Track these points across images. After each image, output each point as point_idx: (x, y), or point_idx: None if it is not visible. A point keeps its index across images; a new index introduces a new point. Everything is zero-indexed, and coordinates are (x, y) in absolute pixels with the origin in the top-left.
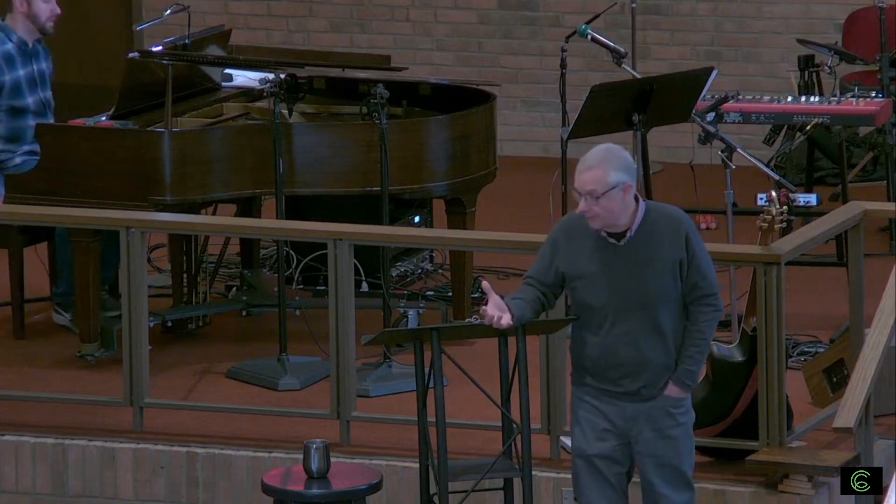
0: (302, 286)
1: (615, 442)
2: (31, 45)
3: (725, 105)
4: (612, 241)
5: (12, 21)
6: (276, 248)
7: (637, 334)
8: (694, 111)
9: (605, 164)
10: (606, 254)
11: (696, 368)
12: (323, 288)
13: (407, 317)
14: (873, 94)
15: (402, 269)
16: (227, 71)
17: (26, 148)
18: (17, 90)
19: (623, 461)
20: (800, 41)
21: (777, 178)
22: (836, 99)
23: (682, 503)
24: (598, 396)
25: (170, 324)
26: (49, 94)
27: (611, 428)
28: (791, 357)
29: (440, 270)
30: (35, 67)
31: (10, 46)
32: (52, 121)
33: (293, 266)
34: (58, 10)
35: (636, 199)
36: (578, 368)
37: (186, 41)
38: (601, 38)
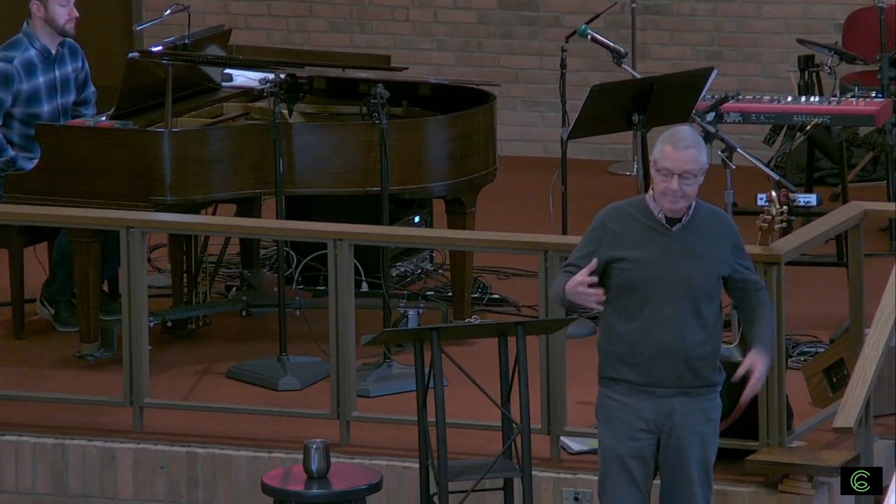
0: (302, 286)
1: (647, 441)
2: (54, 52)
3: (725, 105)
4: (665, 226)
5: (34, 27)
6: (276, 248)
7: (677, 321)
8: (694, 111)
9: (698, 145)
10: (656, 238)
11: (774, 334)
12: (323, 288)
13: (407, 317)
14: (873, 94)
15: (402, 269)
16: (227, 71)
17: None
18: (34, 98)
19: (652, 460)
20: (800, 41)
21: (777, 178)
22: (836, 99)
23: (708, 500)
24: (632, 393)
25: (170, 324)
26: (70, 99)
27: (644, 427)
28: (791, 357)
29: (440, 270)
30: (57, 73)
31: (32, 53)
32: (89, 115)
33: (293, 266)
34: (76, 13)
35: None
36: (611, 361)
37: (186, 41)
38: (601, 38)
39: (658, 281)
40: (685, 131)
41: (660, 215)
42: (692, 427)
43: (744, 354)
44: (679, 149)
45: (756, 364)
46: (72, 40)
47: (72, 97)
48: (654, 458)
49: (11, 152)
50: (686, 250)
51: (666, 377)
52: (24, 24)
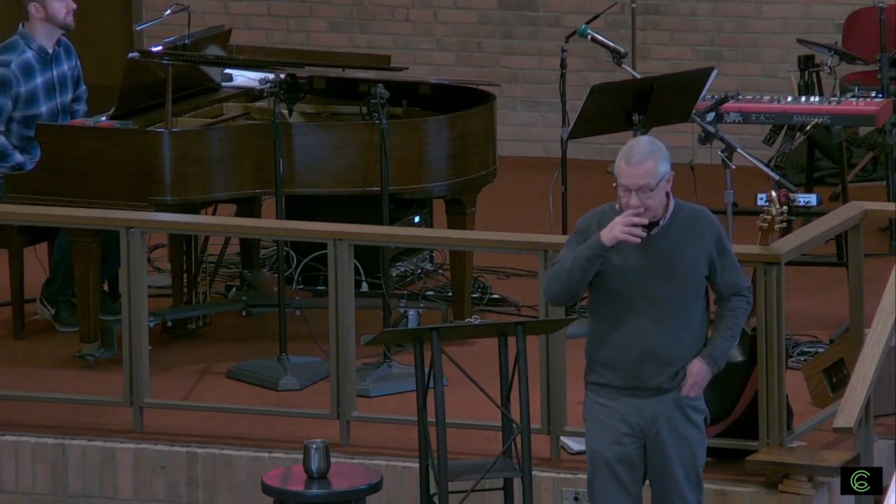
0: (302, 286)
1: (633, 445)
2: (51, 51)
3: (725, 105)
4: (644, 230)
5: (31, 28)
6: (276, 248)
7: (662, 325)
8: (694, 111)
9: (653, 155)
10: (638, 243)
11: (727, 348)
12: (323, 288)
13: (407, 317)
14: (873, 94)
15: (402, 269)
16: (227, 71)
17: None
18: (32, 99)
19: (639, 464)
20: (800, 41)
21: (777, 178)
22: (836, 99)
23: (699, 502)
24: (617, 397)
25: (170, 324)
26: (68, 97)
27: (629, 431)
28: (791, 357)
29: (440, 270)
30: (55, 73)
31: (29, 55)
32: (82, 111)
33: (293, 266)
34: (73, 5)
35: (666, 193)
36: (596, 366)
37: (186, 41)
38: (601, 38)
39: (641, 285)
40: (640, 144)
41: None
42: (677, 431)
43: (743, 354)
44: (632, 164)
45: (691, 369)
46: (65, 38)
47: (69, 95)
48: (643, 461)
49: (19, 157)
50: (667, 253)
51: (651, 380)
52: (21, 25)
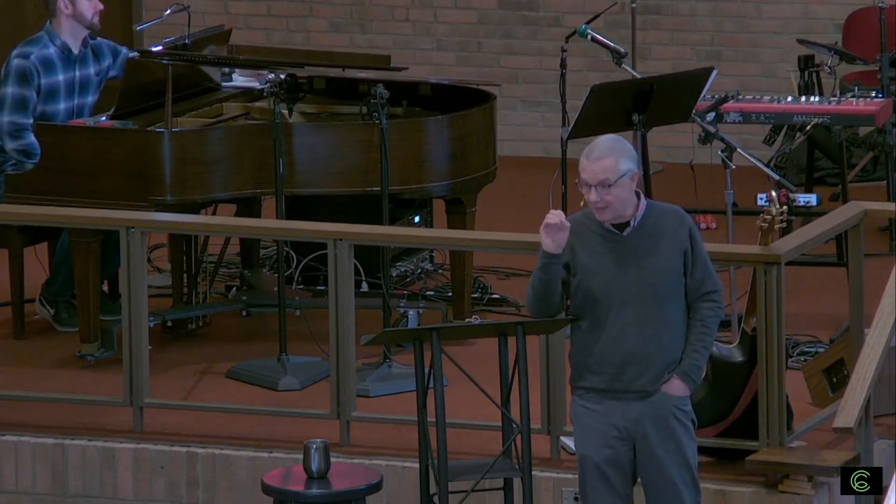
0: (302, 286)
1: (622, 448)
2: (76, 51)
3: (725, 105)
4: (615, 232)
5: (58, 25)
6: (276, 248)
7: (642, 326)
8: (694, 111)
9: (614, 153)
10: (610, 245)
11: (702, 364)
12: (323, 288)
13: (407, 317)
14: (873, 94)
15: (402, 269)
16: (228, 71)
17: None
18: (52, 95)
19: (629, 466)
20: (800, 41)
21: (777, 178)
22: (836, 99)
23: (697, 502)
24: (602, 401)
25: (170, 324)
26: (88, 100)
27: (617, 434)
28: (791, 357)
29: (440, 270)
30: (78, 73)
31: (51, 51)
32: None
33: (293, 266)
34: (100, 6)
35: (637, 194)
36: (581, 370)
37: (186, 41)
38: (601, 38)
39: (617, 287)
40: (602, 141)
41: (608, 224)
42: (664, 432)
43: (743, 354)
44: (591, 160)
45: (668, 388)
46: (99, 40)
47: (90, 98)
48: (632, 463)
49: None
50: (640, 254)
51: (634, 383)
52: (48, 23)
